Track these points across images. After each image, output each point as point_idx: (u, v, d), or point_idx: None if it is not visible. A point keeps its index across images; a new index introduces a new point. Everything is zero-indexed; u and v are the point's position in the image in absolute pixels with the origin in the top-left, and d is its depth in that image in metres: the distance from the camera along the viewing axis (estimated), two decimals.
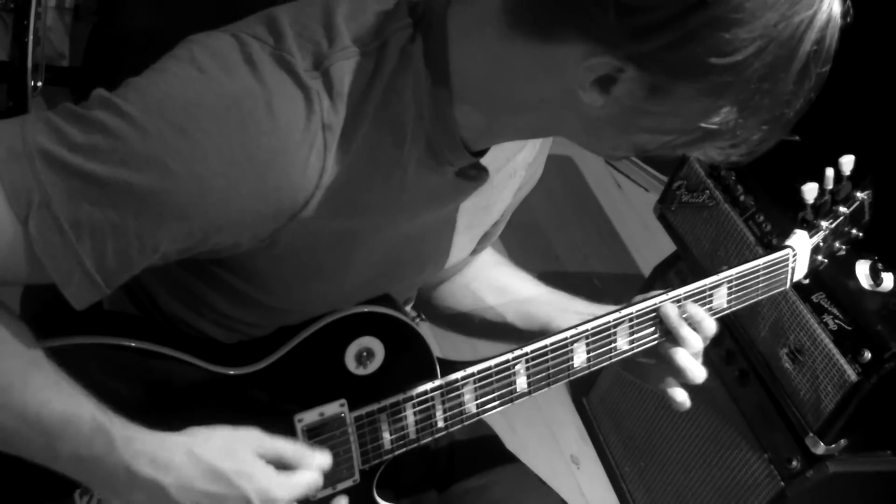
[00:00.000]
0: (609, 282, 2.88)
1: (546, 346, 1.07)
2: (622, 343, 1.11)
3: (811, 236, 1.27)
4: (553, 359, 1.08)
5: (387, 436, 1.04)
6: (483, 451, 1.27)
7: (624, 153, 0.93)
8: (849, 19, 0.78)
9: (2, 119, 0.79)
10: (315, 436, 1.01)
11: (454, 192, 0.97)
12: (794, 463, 1.70)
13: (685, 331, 1.09)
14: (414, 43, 0.86)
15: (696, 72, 0.76)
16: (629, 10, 0.73)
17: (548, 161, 1.16)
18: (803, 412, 1.66)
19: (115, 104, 0.78)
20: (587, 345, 1.09)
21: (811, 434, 1.64)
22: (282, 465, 0.94)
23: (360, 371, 1.01)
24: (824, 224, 1.28)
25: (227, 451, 0.90)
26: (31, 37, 2.17)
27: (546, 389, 1.10)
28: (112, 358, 0.92)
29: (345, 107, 0.83)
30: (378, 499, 1.09)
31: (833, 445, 1.65)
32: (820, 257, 1.30)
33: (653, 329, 1.12)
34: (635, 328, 1.11)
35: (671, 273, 2.12)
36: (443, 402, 1.05)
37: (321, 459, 0.98)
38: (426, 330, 1.10)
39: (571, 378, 1.11)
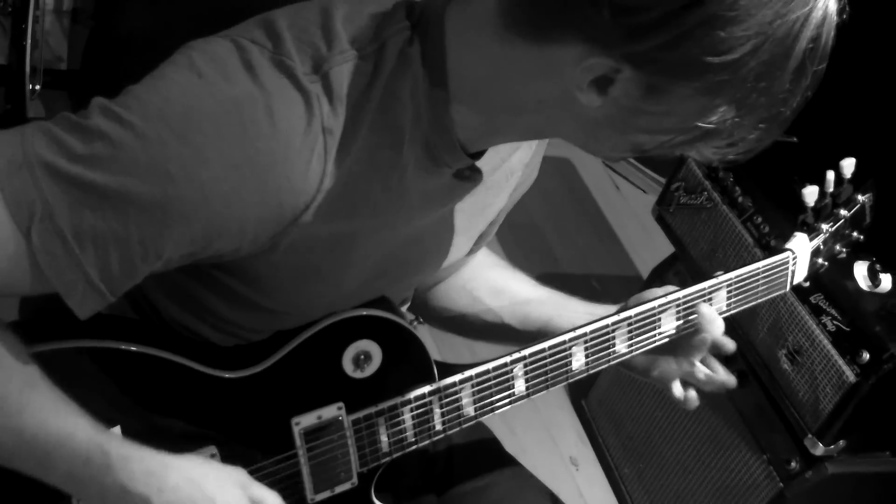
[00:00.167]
0: (607, 283, 2.88)
1: (544, 349, 1.07)
2: (621, 346, 1.11)
3: (811, 239, 1.27)
4: (551, 362, 1.08)
5: (385, 439, 1.04)
6: (482, 453, 1.27)
7: (622, 154, 0.93)
8: (845, 16, 0.78)
9: (0, 123, 0.79)
10: (313, 439, 1.00)
11: (450, 194, 0.97)
12: (793, 464, 1.70)
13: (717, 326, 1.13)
14: (412, 45, 0.86)
15: (693, 71, 0.76)
16: (624, 9, 0.73)
17: (546, 163, 1.16)
18: (802, 413, 1.66)
19: (114, 112, 0.78)
20: (585, 348, 1.09)
21: (810, 435, 1.64)
22: None
23: (358, 374, 1.01)
24: (825, 227, 1.28)
25: (219, 485, 0.90)
26: (29, 40, 2.17)
27: (544, 392, 1.10)
28: (109, 361, 0.92)
29: (344, 110, 0.83)
30: (376, 502, 1.09)
31: (832, 446, 1.65)
32: (820, 260, 1.30)
33: (652, 331, 1.12)
34: (633, 331, 1.11)
35: (669, 274, 2.12)
36: (440, 406, 1.05)
37: None
38: (424, 333, 1.10)
39: (570, 381, 1.11)
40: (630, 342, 1.11)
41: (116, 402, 0.89)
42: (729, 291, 1.17)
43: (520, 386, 1.07)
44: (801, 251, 1.25)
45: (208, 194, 0.79)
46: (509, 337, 1.20)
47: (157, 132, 0.77)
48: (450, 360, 1.07)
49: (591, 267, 2.98)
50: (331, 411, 1.01)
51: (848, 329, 1.58)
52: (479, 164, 0.94)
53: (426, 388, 1.04)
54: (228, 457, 0.97)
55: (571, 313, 1.16)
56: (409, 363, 1.03)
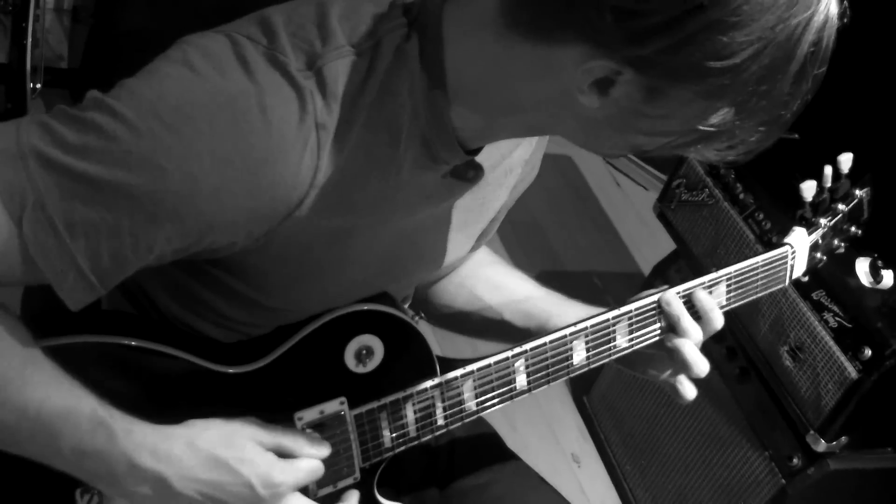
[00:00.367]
0: (609, 280, 2.87)
1: (545, 344, 1.07)
2: (621, 341, 1.11)
3: (810, 234, 1.27)
4: (552, 356, 1.08)
5: (387, 434, 1.04)
6: (484, 448, 1.27)
7: (622, 152, 0.93)
8: (846, 20, 0.78)
9: (0, 121, 0.80)
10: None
11: (449, 190, 0.97)
12: (795, 460, 1.70)
13: (686, 321, 1.09)
14: (409, 42, 0.86)
15: (694, 75, 0.76)
16: (627, 14, 0.73)
17: (547, 160, 1.16)
18: (804, 410, 1.66)
19: (108, 105, 0.78)
20: (586, 342, 1.09)
21: (812, 431, 1.65)
22: (281, 454, 0.95)
23: (360, 369, 1.01)
24: (823, 222, 1.28)
25: (226, 439, 0.91)
26: (29, 39, 2.17)
27: (546, 387, 1.10)
28: (111, 357, 0.92)
29: (338, 106, 0.83)
30: (379, 497, 1.09)
31: (834, 443, 1.65)
32: (819, 255, 1.30)
33: (653, 326, 1.12)
34: (634, 325, 1.11)
35: (671, 271, 2.12)
36: (443, 400, 1.05)
37: (320, 448, 0.98)
38: (426, 328, 1.10)
39: (571, 375, 1.11)
40: (631, 336, 1.11)
41: (118, 398, 0.89)
42: (728, 285, 1.17)
43: (521, 380, 1.07)
44: (799, 245, 1.25)
45: (200, 188, 0.79)
46: (509, 334, 1.20)
47: (150, 125, 0.77)
48: (451, 355, 1.07)
49: (592, 264, 2.98)
50: (333, 406, 1.01)
51: (850, 325, 1.58)
52: (479, 160, 0.94)
53: (428, 383, 1.04)
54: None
55: (569, 309, 1.17)
56: (411, 358, 1.03)
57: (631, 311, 1.10)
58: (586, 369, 1.11)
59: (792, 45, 0.75)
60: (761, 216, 1.78)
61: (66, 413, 0.83)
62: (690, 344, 1.09)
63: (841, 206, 1.30)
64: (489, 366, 1.05)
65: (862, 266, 1.62)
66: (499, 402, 1.08)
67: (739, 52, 0.74)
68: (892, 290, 1.61)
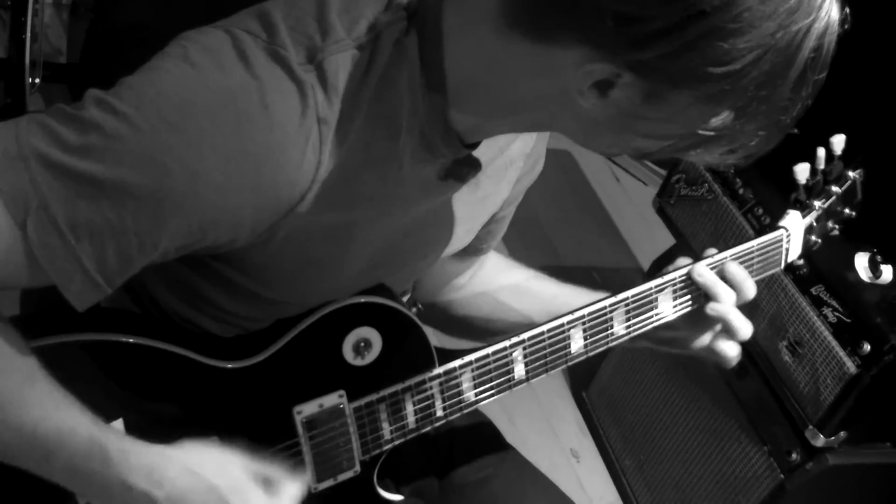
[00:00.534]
0: (608, 275, 2.88)
1: (543, 333, 1.07)
2: (619, 328, 1.12)
3: (804, 216, 1.26)
4: (550, 345, 1.08)
5: (386, 426, 1.04)
6: (483, 437, 1.27)
7: (621, 151, 0.93)
8: (846, 26, 0.78)
9: (0, 117, 0.79)
10: (314, 427, 1.01)
11: (447, 184, 0.97)
12: (794, 455, 1.70)
13: (721, 287, 1.11)
14: (408, 35, 0.86)
15: (694, 80, 0.76)
16: (628, 19, 0.73)
17: (546, 155, 1.15)
18: (803, 405, 1.66)
19: (108, 103, 0.78)
20: (584, 330, 1.09)
21: (811, 426, 1.65)
22: (266, 482, 0.95)
23: (358, 362, 1.01)
24: (817, 204, 1.28)
25: (220, 468, 0.91)
26: (28, 33, 2.16)
27: (545, 378, 1.10)
28: (110, 354, 0.92)
29: (339, 100, 0.83)
30: (379, 490, 1.09)
31: (832, 438, 1.65)
32: (813, 237, 1.29)
33: (649, 313, 1.12)
34: (631, 312, 1.11)
35: (670, 266, 2.12)
36: (441, 391, 1.05)
37: (300, 484, 0.98)
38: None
39: (569, 364, 1.11)
40: (628, 323, 1.12)
41: (118, 395, 0.89)
42: None
43: (519, 370, 1.08)
44: (794, 228, 1.24)
45: (203, 185, 0.78)
46: None
47: (152, 123, 0.77)
48: (448, 346, 1.07)
49: (591, 259, 2.98)
50: (332, 399, 1.01)
51: (849, 320, 1.58)
52: (477, 153, 0.94)
53: (427, 374, 1.04)
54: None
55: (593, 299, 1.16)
56: (409, 349, 1.03)
57: (627, 298, 1.11)
58: (584, 357, 1.12)
59: (792, 51, 0.75)
60: (760, 211, 1.78)
61: (61, 435, 0.83)
62: (734, 309, 1.10)
63: (835, 189, 1.29)
64: (487, 356, 1.06)
65: (861, 261, 1.62)
66: (497, 393, 1.08)
67: (740, 58, 0.74)
68: (892, 285, 1.61)
